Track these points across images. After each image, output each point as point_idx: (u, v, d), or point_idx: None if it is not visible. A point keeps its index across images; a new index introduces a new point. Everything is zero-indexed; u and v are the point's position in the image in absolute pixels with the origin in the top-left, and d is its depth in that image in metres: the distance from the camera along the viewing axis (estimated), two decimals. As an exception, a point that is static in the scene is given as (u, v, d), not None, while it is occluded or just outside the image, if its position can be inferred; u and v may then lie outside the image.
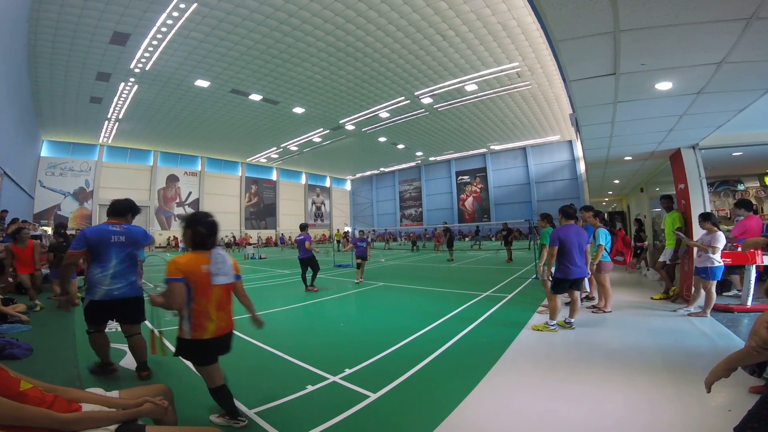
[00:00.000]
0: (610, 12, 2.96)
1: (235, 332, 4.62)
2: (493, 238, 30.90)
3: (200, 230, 2.45)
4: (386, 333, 4.81)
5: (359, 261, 9.56)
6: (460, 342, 4.30)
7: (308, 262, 8.34)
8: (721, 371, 1.69)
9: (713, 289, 5.05)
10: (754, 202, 11.14)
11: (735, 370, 1.70)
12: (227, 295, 2.52)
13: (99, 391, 1.80)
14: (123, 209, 3.53)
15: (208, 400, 2.55)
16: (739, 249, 5.21)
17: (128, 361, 3.81)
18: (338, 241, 25.32)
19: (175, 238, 27.64)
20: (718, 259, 4.97)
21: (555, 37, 3.39)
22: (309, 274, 8.44)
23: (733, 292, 6.14)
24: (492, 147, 35.67)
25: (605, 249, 5.75)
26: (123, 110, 22.31)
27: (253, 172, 40.73)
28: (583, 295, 6.34)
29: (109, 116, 23.20)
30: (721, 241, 4.95)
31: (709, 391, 1.71)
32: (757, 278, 5.37)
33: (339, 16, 14.29)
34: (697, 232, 5.76)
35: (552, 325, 4.65)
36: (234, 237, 36.28)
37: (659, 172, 9.82)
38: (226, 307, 2.50)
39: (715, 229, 5.07)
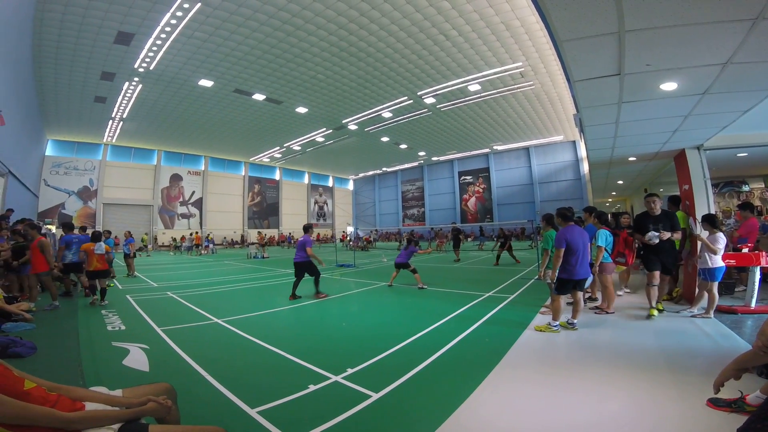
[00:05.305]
0: (614, 12, 2.95)
1: (238, 331, 4.65)
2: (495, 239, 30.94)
3: (96, 238, 7.34)
4: (388, 333, 4.82)
5: (412, 269, 8.43)
6: (463, 342, 4.29)
7: (304, 267, 7.52)
8: (731, 372, 1.68)
9: (715, 290, 5.02)
10: (758, 202, 11.09)
11: (745, 371, 1.68)
12: (101, 257, 7.20)
13: (102, 389, 1.80)
14: (72, 226, 8.55)
15: (211, 398, 2.74)
16: (745, 250, 5.21)
17: (131, 361, 3.84)
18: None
19: (183, 237, 28.06)
20: (718, 261, 4.95)
21: (559, 38, 3.38)
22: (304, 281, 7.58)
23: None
24: (495, 147, 35.60)
25: (606, 250, 5.72)
26: (127, 110, 22.44)
27: (256, 171, 40.87)
28: (586, 296, 6.31)
29: (113, 115, 23.34)
30: (722, 242, 4.93)
31: (717, 392, 1.70)
32: (761, 280, 5.34)
33: (342, 16, 14.30)
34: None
35: (555, 326, 4.64)
36: (243, 236, 36.68)
37: (663, 173, 9.77)
38: (101, 260, 7.19)
39: (716, 230, 5.05)
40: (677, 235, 5.33)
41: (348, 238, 30.90)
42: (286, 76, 19.23)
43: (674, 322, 4.90)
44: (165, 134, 28.25)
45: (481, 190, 39.30)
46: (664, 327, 4.69)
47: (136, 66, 17.15)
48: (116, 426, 1.54)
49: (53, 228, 15.18)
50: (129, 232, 13.27)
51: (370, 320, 5.85)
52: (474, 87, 20.80)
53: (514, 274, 10.24)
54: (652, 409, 2.59)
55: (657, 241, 5.15)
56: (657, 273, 5.25)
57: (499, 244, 14.49)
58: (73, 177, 27.77)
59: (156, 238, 31.43)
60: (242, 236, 37.39)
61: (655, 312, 5.07)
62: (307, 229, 7.93)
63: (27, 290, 6.89)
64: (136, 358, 3.89)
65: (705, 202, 6.29)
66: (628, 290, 7.02)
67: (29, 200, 19.15)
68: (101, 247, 7.25)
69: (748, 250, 5.22)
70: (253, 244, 22.60)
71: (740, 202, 7.25)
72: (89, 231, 8.75)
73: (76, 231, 8.57)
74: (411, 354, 3.89)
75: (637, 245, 5.99)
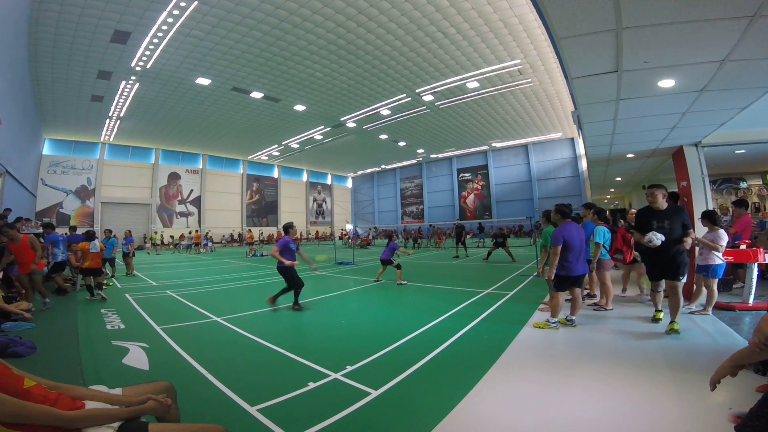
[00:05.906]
0: (612, 9, 2.95)
1: (237, 329, 4.66)
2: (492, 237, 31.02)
3: (90, 237, 7.89)
4: (387, 330, 4.83)
5: (396, 264, 8.97)
6: (462, 339, 4.30)
7: (283, 274, 6.40)
8: (727, 369, 1.67)
9: (715, 287, 5.05)
10: (756, 199, 11.13)
11: (741, 368, 1.68)
12: (96, 255, 7.74)
13: (102, 388, 1.81)
14: (53, 226, 9.18)
15: (210, 396, 2.74)
16: (742, 247, 5.24)
17: (131, 359, 3.84)
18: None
19: (182, 236, 28.11)
20: (719, 257, 4.97)
21: (557, 35, 3.38)
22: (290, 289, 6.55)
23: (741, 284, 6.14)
24: (493, 144, 35.58)
25: (604, 247, 5.73)
26: (124, 108, 22.33)
27: (254, 169, 40.76)
28: (585, 292, 6.33)
29: (110, 114, 23.22)
30: (724, 239, 4.95)
31: (713, 389, 1.70)
32: (759, 276, 5.37)
33: (340, 14, 14.25)
34: (700, 230, 5.76)
35: (553, 323, 4.66)
36: (240, 235, 36.70)
37: (661, 170, 9.80)
38: (95, 258, 7.70)
39: (716, 227, 5.07)
40: (692, 235, 4.36)
41: (347, 236, 30.91)
42: (284, 74, 19.15)
43: (672, 319, 4.91)
44: (162, 133, 28.14)
45: (479, 188, 39.30)
46: (663, 324, 4.71)
47: (132, 65, 17.05)
48: (116, 424, 1.54)
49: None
50: (129, 231, 13.21)
51: (369, 317, 5.86)
52: (472, 84, 20.77)
53: (513, 271, 10.26)
54: (651, 406, 2.61)
55: (659, 243, 4.15)
56: (661, 281, 4.62)
57: (494, 240, 14.54)
58: (71, 176, 27.65)
59: (145, 238, 31.26)
60: (240, 234, 37.34)
61: (661, 315, 4.71)
62: (287, 229, 6.71)
63: (23, 291, 6.83)
64: (136, 357, 3.89)
65: (703, 199, 6.32)
66: (625, 293, 6.66)
67: (27, 200, 19.09)
68: (95, 245, 7.95)
69: (746, 247, 5.25)
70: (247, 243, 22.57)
71: (735, 199, 7.29)
72: (80, 231, 9.47)
73: (59, 231, 8.92)
74: (410, 351, 3.90)
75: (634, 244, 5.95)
